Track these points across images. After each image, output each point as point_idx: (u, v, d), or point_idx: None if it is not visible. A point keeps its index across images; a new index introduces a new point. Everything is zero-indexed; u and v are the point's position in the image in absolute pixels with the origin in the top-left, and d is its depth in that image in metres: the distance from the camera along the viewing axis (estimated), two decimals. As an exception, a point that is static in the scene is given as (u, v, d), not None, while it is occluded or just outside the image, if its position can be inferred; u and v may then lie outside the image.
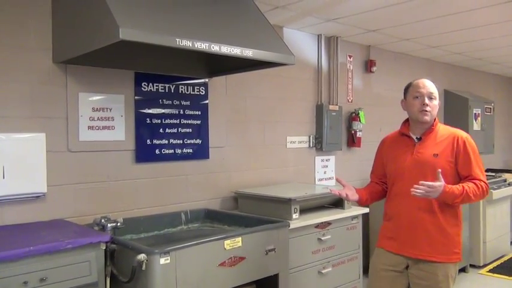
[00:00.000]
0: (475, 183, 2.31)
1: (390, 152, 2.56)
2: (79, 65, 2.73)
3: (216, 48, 2.37)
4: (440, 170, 2.24)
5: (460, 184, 2.31)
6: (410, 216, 2.39)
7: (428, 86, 2.43)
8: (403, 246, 2.42)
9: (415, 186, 2.21)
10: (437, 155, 2.37)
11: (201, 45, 2.30)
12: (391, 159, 2.53)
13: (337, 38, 4.40)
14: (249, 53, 2.52)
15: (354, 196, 2.52)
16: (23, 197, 2.53)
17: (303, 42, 4.19)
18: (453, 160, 2.36)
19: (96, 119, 2.83)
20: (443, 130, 2.45)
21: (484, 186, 2.33)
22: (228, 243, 2.45)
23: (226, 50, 2.41)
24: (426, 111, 2.38)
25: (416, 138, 2.45)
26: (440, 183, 2.21)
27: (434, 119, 2.45)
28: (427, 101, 2.39)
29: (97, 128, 2.84)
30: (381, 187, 2.64)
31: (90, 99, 2.81)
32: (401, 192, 2.39)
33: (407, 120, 2.55)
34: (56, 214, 2.65)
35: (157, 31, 2.18)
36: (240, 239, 2.51)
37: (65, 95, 2.71)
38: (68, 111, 2.72)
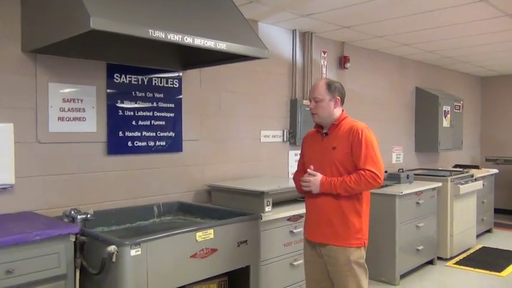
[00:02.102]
0: (357, 173, 2.45)
1: (307, 146, 2.78)
2: (49, 55, 2.68)
3: (189, 40, 2.36)
4: (312, 167, 2.55)
5: (344, 176, 2.47)
6: (315, 203, 2.59)
7: (313, 91, 2.63)
8: (312, 232, 2.63)
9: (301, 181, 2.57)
10: (335, 147, 2.54)
11: (174, 37, 2.29)
12: (306, 152, 2.76)
13: (311, 33, 4.45)
14: (222, 45, 2.53)
15: None
16: (-10, 189, 2.48)
17: (277, 37, 4.21)
18: (349, 151, 2.51)
19: (66, 110, 2.79)
20: (347, 124, 2.58)
21: (367, 175, 2.43)
22: (199, 235, 2.46)
23: (199, 42, 2.41)
24: (313, 113, 2.62)
25: (325, 133, 2.64)
26: (315, 177, 2.51)
27: (341, 116, 2.60)
28: (311, 105, 2.62)
29: (67, 119, 2.80)
30: None
31: (60, 89, 2.76)
32: None
33: None
34: (24, 206, 2.60)
35: (130, 21, 2.16)
36: (211, 231, 2.52)
37: (34, 85, 2.65)
38: (37, 102, 2.67)
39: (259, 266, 2.87)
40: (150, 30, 2.19)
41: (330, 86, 2.60)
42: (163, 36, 2.25)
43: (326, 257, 2.56)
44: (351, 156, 2.49)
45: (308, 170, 2.56)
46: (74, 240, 2.22)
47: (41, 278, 2.08)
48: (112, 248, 2.11)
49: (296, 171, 2.86)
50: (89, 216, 2.46)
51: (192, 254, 2.42)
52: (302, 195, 2.83)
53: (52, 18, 2.32)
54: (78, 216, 2.42)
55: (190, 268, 2.43)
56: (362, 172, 2.44)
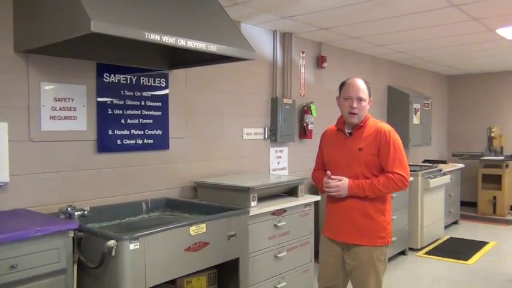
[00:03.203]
0: (386, 176, 2.51)
1: (328, 145, 2.78)
2: (41, 55, 2.72)
3: (182, 42, 2.46)
4: (329, 172, 2.59)
5: (372, 178, 2.53)
6: (340, 204, 2.62)
7: (357, 90, 2.60)
8: (336, 232, 2.68)
9: (326, 186, 2.59)
10: (361, 149, 2.57)
11: (169, 40, 2.38)
12: (327, 152, 2.76)
13: (291, 34, 4.59)
14: (213, 48, 2.63)
15: None
16: (-16, 187, 2.51)
17: (259, 38, 4.33)
18: (376, 153, 2.55)
19: (58, 108, 2.83)
20: (372, 125, 2.63)
21: (396, 178, 2.49)
22: (193, 229, 2.57)
23: (192, 44, 2.51)
24: (354, 113, 2.59)
25: (348, 133, 2.66)
26: (343, 182, 2.54)
27: (366, 116, 2.65)
28: (355, 104, 2.58)
29: (59, 118, 2.84)
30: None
31: (52, 89, 2.81)
32: None
33: (342, 116, 2.74)
34: (18, 204, 2.64)
35: (127, 24, 2.24)
36: (204, 225, 2.64)
37: (26, 84, 2.69)
38: (29, 101, 2.71)
39: (247, 258, 3.00)
40: (146, 33, 2.28)
41: (368, 85, 2.63)
42: (158, 39, 2.33)
43: (350, 253, 2.61)
44: (378, 158, 2.53)
45: (331, 175, 2.58)
46: (72, 235, 2.29)
47: (43, 272, 2.14)
48: (112, 243, 2.20)
49: (315, 169, 2.87)
50: (85, 212, 2.52)
51: (186, 247, 2.53)
52: (323, 194, 2.83)
53: (49, 20, 2.36)
54: (76, 213, 2.48)
55: (185, 260, 2.53)
56: (391, 175, 2.48)
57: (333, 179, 2.58)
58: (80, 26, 2.10)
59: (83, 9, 2.08)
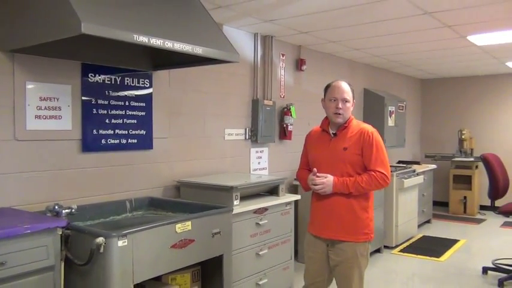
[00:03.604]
0: (369, 174, 2.63)
1: (312, 145, 2.88)
2: (27, 54, 2.73)
3: (169, 44, 2.52)
4: (315, 170, 2.68)
5: (355, 176, 2.65)
6: (325, 201, 2.72)
7: (342, 91, 2.71)
8: (321, 228, 2.78)
9: (312, 184, 2.68)
10: (346, 148, 2.68)
11: (156, 42, 2.44)
12: (312, 152, 2.85)
13: (271, 37, 4.69)
14: (199, 50, 2.70)
15: None
16: (-31, 186, 2.51)
17: (241, 40, 4.42)
18: (360, 153, 2.66)
19: (43, 108, 2.85)
20: (355, 126, 2.74)
21: (378, 176, 2.61)
22: (179, 227, 2.63)
23: (178, 46, 2.57)
24: (339, 114, 2.70)
25: (333, 133, 2.77)
26: (328, 179, 2.64)
27: (349, 117, 2.77)
28: (340, 105, 2.69)
29: (44, 117, 2.86)
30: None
31: (37, 88, 2.83)
32: None
33: (327, 117, 2.85)
34: (3, 203, 2.65)
35: (116, 26, 2.28)
36: (189, 223, 2.70)
37: (12, 83, 2.71)
38: (14, 100, 2.72)
39: (231, 255, 3.08)
40: (134, 35, 2.33)
41: (352, 88, 2.75)
42: (147, 41, 2.39)
43: (334, 249, 2.71)
44: (361, 157, 2.65)
45: (317, 172, 2.67)
46: (60, 233, 2.33)
47: (32, 269, 2.17)
48: (100, 240, 2.24)
49: (299, 169, 2.96)
50: (73, 210, 2.55)
51: (172, 244, 2.59)
52: (306, 191, 2.92)
53: (37, 20, 2.39)
54: (63, 211, 2.51)
55: (171, 257, 2.59)
56: (373, 173, 2.61)
57: (318, 177, 2.68)
58: (70, 27, 2.14)
59: (73, 10, 2.12)
